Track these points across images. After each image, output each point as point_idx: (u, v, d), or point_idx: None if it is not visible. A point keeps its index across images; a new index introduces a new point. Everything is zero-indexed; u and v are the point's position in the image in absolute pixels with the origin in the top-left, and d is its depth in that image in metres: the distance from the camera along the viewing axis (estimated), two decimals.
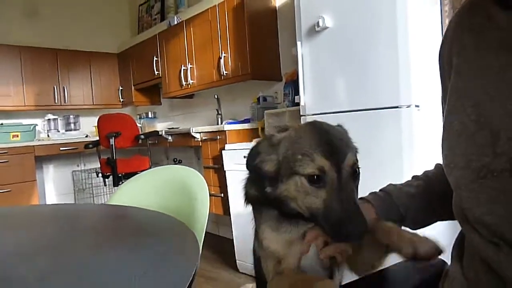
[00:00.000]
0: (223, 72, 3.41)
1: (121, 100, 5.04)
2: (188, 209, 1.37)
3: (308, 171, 0.64)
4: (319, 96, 2.32)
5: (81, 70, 4.76)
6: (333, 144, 0.66)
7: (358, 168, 0.67)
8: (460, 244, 0.64)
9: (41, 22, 4.62)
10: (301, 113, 2.39)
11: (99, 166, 3.73)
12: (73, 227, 1.03)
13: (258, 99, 3.42)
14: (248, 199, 0.77)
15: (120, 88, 5.03)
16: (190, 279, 0.54)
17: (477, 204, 0.52)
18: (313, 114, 2.32)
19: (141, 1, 5.10)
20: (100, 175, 3.80)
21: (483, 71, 0.54)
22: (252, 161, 0.73)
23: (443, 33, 0.67)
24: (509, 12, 0.52)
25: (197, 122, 4.43)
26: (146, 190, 1.49)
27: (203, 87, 3.76)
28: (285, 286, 0.67)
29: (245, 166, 0.76)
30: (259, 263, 0.76)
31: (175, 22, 3.99)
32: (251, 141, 3.03)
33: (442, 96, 0.68)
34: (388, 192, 0.78)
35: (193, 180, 1.43)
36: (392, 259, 0.82)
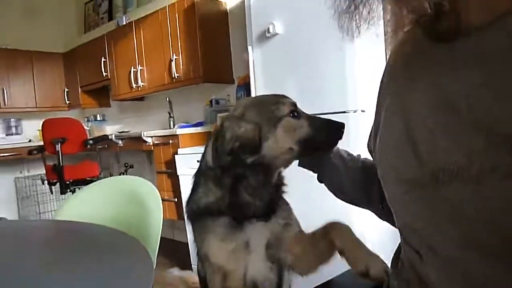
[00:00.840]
0: (174, 75, 3.37)
1: (67, 102, 4.82)
2: (141, 220, 1.35)
3: (288, 110, 0.76)
4: None
5: (23, 70, 4.49)
6: (282, 96, 0.81)
7: None
8: (397, 253, 0.69)
9: None
10: None
11: (45, 172, 3.55)
12: (21, 245, 0.99)
13: (211, 101, 3.41)
14: (197, 211, 0.77)
15: (66, 89, 4.80)
16: None
17: (408, 215, 0.56)
18: None
19: None
20: (45, 182, 3.62)
21: (413, 91, 0.58)
22: (223, 149, 0.72)
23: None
24: (440, 46, 0.57)
25: (148, 125, 4.33)
26: (97, 202, 1.45)
27: (154, 90, 3.69)
28: None
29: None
30: (205, 285, 0.77)
31: (124, 22, 3.88)
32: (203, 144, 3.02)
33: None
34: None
35: (145, 190, 1.41)
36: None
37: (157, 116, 4.22)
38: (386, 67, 0.72)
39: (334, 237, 0.70)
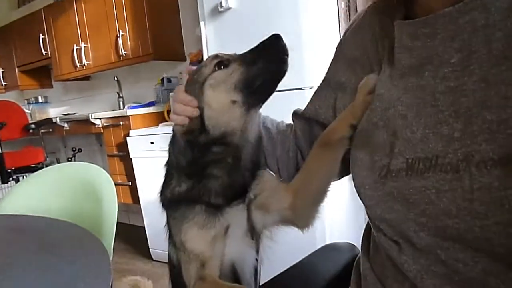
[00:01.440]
0: (122, 52, 3.19)
1: (3, 83, 4.44)
2: (94, 209, 1.27)
3: (210, 67, 0.68)
4: None
5: None
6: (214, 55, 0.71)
7: None
8: (367, 237, 0.69)
9: None
10: None
11: None
12: None
13: (162, 80, 3.28)
14: (171, 198, 0.72)
15: (1, 70, 4.42)
16: None
17: (379, 203, 0.55)
18: None
19: None
20: None
21: (392, 79, 0.57)
22: (179, 146, 0.71)
23: (348, 20, 0.72)
24: (398, 22, 0.56)
25: (96, 106, 4.11)
26: (44, 192, 1.34)
27: (100, 69, 3.48)
28: None
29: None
30: (177, 271, 0.72)
31: None
32: (157, 125, 2.91)
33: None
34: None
35: (96, 178, 1.33)
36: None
37: (105, 96, 4.01)
38: (341, 44, 0.71)
39: (328, 137, 0.68)
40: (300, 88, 1.96)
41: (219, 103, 0.66)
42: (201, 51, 2.41)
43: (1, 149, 3.04)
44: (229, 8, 2.14)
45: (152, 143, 2.60)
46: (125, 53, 3.19)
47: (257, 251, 0.74)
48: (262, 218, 0.72)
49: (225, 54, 0.70)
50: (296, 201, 0.71)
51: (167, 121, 2.94)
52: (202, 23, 2.27)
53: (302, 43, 1.93)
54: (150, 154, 2.58)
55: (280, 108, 2.11)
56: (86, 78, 4.03)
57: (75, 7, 3.48)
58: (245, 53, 0.70)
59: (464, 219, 0.46)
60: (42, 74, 4.35)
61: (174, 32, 3.24)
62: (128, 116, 2.89)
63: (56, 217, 1.06)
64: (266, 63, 0.67)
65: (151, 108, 3.15)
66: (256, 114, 0.73)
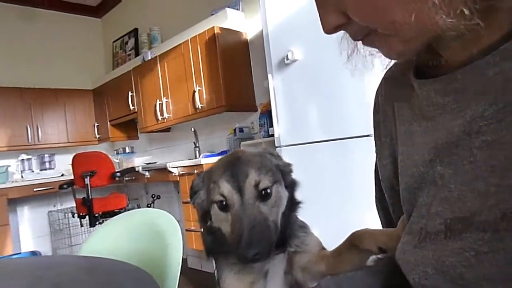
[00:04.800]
0: (198, 105, 3.42)
1: (97, 136, 4.98)
2: (160, 253, 1.33)
3: (215, 198, 0.67)
4: (292, 127, 2.34)
5: (55, 108, 4.70)
6: (235, 168, 0.68)
7: (268, 188, 0.68)
8: None
9: (14, 62, 4.57)
10: (275, 144, 2.40)
11: (75, 206, 3.63)
12: (38, 283, 0.98)
13: (235, 130, 3.43)
14: (207, 248, 0.75)
15: (96, 124, 4.97)
16: None
17: (414, 268, 0.51)
18: (287, 145, 2.34)
19: (115, 37, 5.12)
20: (76, 215, 3.70)
21: (412, 135, 0.56)
22: (192, 200, 0.75)
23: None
24: (418, 81, 0.55)
25: (175, 155, 4.39)
26: (117, 236, 1.45)
27: (179, 121, 3.76)
28: None
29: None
30: None
31: (149, 57, 4.01)
32: None
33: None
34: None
35: (164, 224, 1.40)
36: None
37: (183, 146, 4.27)
38: (375, 108, 0.70)
39: (362, 244, 0.66)
40: (368, 135, 1.93)
41: (222, 230, 0.70)
42: (269, 102, 2.50)
43: (91, 195, 3.35)
44: (294, 60, 2.22)
45: None
46: (201, 106, 3.41)
47: None
48: (302, 275, 0.72)
49: (229, 190, 0.68)
50: (333, 270, 0.70)
51: None
52: (269, 75, 2.38)
53: (366, 92, 1.92)
54: None
55: (347, 154, 2.07)
56: (167, 129, 4.36)
57: (159, 66, 3.86)
58: (241, 217, 0.65)
59: (510, 285, 0.41)
60: (130, 127, 4.80)
61: (246, 84, 3.42)
62: (202, 164, 3.04)
63: (126, 260, 1.13)
64: (238, 248, 0.64)
65: None
66: None
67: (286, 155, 2.35)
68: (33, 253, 4.27)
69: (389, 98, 0.65)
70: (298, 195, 0.77)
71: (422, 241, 0.50)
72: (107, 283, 0.90)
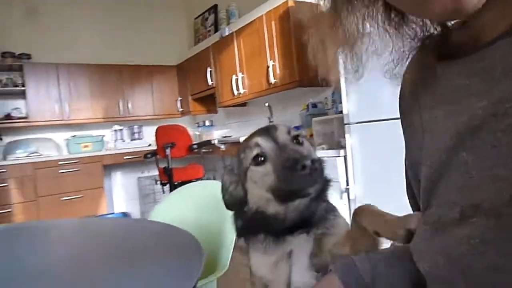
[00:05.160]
0: (271, 81, 3.44)
1: (180, 110, 5.28)
2: (218, 224, 1.41)
3: (250, 157, 0.68)
4: (363, 103, 2.25)
5: (143, 83, 5.07)
6: (265, 128, 0.71)
7: (299, 136, 0.70)
8: None
9: (106, 41, 4.99)
10: (344, 122, 2.34)
11: (158, 174, 3.94)
12: (102, 242, 1.12)
13: (308, 106, 3.40)
14: (238, 231, 0.78)
15: (179, 98, 5.27)
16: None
17: (425, 257, 0.49)
18: (356, 123, 2.26)
19: (196, 14, 5.30)
20: (158, 183, 4.01)
21: (434, 120, 0.52)
22: (224, 196, 0.75)
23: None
24: (442, 64, 0.52)
25: (251, 129, 4.44)
26: (181, 205, 1.57)
27: (253, 96, 3.82)
28: None
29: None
30: None
31: (226, 33, 4.10)
32: None
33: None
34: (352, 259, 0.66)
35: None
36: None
37: (259, 121, 4.35)
38: (400, 95, 0.67)
39: (361, 221, 0.65)
40: None
41: (257, 195, 0.69)
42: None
43: (171, 165, 3.60)
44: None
45: None
46: (274, 81, 3.43)
47: None
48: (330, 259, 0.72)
49: (263, 137, 0.69)
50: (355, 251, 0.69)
51: None
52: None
53: None
54: None
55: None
56: (244, 104, 4.46)
57: (235, 42, 3.93)
58: (280, 158, 0.65)
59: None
60: (209, 101, 5.01)
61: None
62: None
63: (186, 226, 1.23)
64: (289, 183, 0.64)
65: None
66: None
67: (355, 133, 2.28)
68: (124, 214, 4.76)
69: (414, 84, 0.61)
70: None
71: (436, 232, 0.48)
72: (161, 246, 1.00)
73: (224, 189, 0.76)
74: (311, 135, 3.13)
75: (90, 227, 1.40)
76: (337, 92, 3.07)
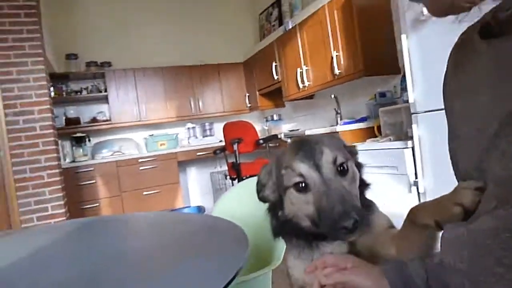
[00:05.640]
0: (336, 71, 3.37)
1: (248, 105, 5.38)
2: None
3: (292, 181, 0.68)
4: (432, 91, 2.11)
5: (212, 81, 5.25)
6: (308, 149, 0.68)
7: (344, 163, 0.68)
8: None
9: (176, 44, 5.25)
10: (411, 111, 2.22)
11: (227, 169, 4.07)
12: (168, 233, 1.20)
13: (376, 95, 3.27)
14: (273, 231, 0.78)
15: (247, 94, 5.37)
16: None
17: (450, 249, 0.47)
18: (424, 112, 2.13)
19: (261, 9, 5.35)
20: (228, 177, 4.14)
21: (476, 96, 0.48)
22: (258, 193, 0.77)
23: None
24: (488, 41, 0.50)
25: (317, 122, 4.44)
26: (239, 201, 1.61)
27: (318, 88, 3.77)
28: None
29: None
30: None
31: (290, 26, 4.08)
32: (365, 141, 2.93)
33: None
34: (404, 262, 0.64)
35: None
36: None
37: (325, 113, 4.29)
38: (445, 74, 0.63)
39: (421, 220, 0.62)
40: None
41: (294, 214, 0.71)
42: (402, 64, 2.31)
43: (239, 160, 3.70)
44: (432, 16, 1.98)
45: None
46: (339, 72, 3.35)
47: None
48: (370, 258, 0.69)
49: (308, 169, 0.68)
50: (402, 253, 0.66)
51: (375, 137, 2.92)
52: (403, 36, 2.18)
53: None
54: None
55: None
56: (310, 97, 4.42)
57: (298, 35, 3.90)
58: (323, 194, 0.65)
59: None
60: (276, 96, 5.04)
61: (387, 45, 3.18)
62: (338, 132, 3.02)
63: (245, 220, 1.28)
64: (328, 226, 0.63)
65: (361, 124, 3.18)
66: None
67: (423, 123, 2.15)
68: (199, 207, 4.99)
69: (458, 67, 0.57)
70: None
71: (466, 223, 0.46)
72: (212, 237, 1.05)
73: (259, 186, 0.78)
74: (378, 127, 3.01)
75: (159, 220, 1.51)
76: (404, 80, 2.91)
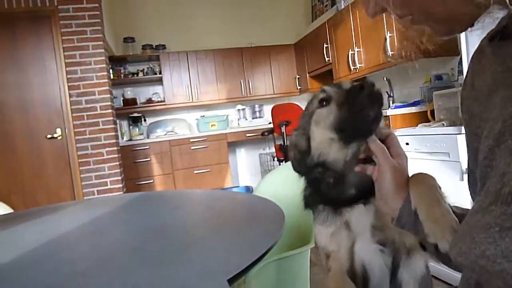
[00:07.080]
0: (389, 53, 3.26)
1: (298, 87, 5.36)
2: None
3: (316, 101, 0.72)
4: None
5: (262, 63, 5.28)
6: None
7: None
8: None
9: (228, 26, 5.31)
10: None
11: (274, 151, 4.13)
12: (209, 209, 1.28)
13: (431, 78, 3.13)
14: (305, 201, 0.81)
15: (297, 76, 5.35)
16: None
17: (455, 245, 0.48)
18: None
19: None
20: (275, 159, 4.20)
21: (490, 108, 0.48)
22: (289, 153, 0.79)
23: None
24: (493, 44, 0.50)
25: None
26: (279, 183, 1.65)
27: (370, 70, 3.67)
28: None
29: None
30: None
31: (342, 6, 3.98)
32: (416, 126, 2.83)
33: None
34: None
35: None
36: None
37: None
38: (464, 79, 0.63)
39: (412, 193, 0.63)
40: None
41: (320, 138, 0.71)
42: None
43: (287, 142, 3.73)
44: None
45: (407, 144, 2.57)
46: (391, 54, 3.24)
47: (396, 259, 0.71)
48: (399, 237, 0.70)
49: (331, 87, 0.73)
50: None
51: (428, 122, 2.81)
52: None
53: None
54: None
55: None
56: (363, 79, 4.30)
57: (351, 15, 3.80)
58: (346, 90, 0.71)
59: None
60: (327, 78, 4.96)
61: None
62: (388, 116, 2.94)
63: (285, 200, 1.32)
64: (355, 111, 0.67)
65: (413, 108, 3.07)
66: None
67: None
68: (247, 187, 5.10)
69: (475, 72, 0.57)
70: None
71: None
72: (248, 213, 1.10)
73: (291, 147, 0.79)
74: (432, 111, 2.89)
75: (204, 197, 1.60)
76: (461, 62, 2.76)
